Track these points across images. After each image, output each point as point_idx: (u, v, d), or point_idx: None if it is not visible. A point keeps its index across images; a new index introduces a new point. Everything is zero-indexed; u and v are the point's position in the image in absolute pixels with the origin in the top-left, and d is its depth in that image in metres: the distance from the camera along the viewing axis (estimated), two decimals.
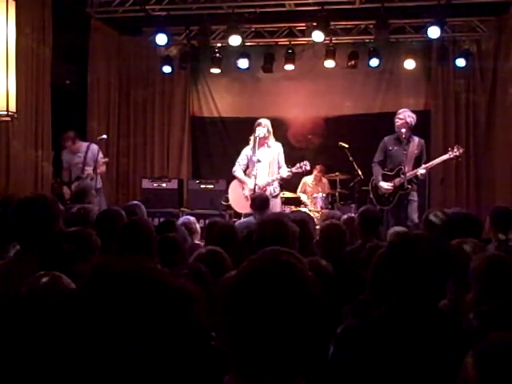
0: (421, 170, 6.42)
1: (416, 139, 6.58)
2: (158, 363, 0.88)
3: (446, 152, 6.71)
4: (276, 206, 6.78)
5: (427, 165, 6.49)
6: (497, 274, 2.36)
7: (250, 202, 6.61)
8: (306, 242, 3.64)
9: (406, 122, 6.50)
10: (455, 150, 6.52)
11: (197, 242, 4.82)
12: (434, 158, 6.77)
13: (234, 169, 7.01)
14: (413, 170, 6.47)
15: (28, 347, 1.69)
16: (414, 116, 6.61)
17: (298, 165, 6.82)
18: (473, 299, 2.39)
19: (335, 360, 1.87)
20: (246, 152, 6.94)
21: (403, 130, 6.45)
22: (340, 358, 1.86)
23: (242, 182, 6.93)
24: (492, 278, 2.36)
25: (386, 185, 6.55)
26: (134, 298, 0.89)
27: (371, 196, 6.75)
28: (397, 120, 6.55)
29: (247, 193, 6.83)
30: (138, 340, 0.87)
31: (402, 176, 6.43)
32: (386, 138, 6.72)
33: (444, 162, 6.75)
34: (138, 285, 0.90)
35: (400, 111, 6.65)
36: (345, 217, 5.12)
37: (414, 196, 6.58)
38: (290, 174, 6.84)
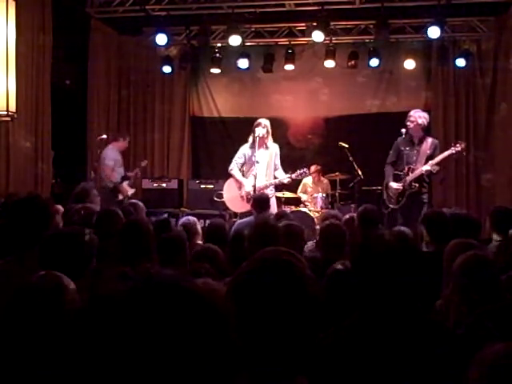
0: (425, 167, 6.41)
1: (429, 139, 6.60)
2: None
3: (447, 149, 6.69)
4: (273, 207, 6.80)
5: (431, 161, 6.47)
6: (472, 274, 2.36)
7: (245, 201, 6.63)
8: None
9: (418, 124, 6.51)
10: (457, 146, 6.53)
11: (199, 242, 4.80)
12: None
13: (231, 167, 6.99)
14: None
15: (29, 346, 1.69)
16: (426, 116, 6.63)
17: (298, 172, 6.82)
18: (455, 299, 2.39)
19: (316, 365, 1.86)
20: (244, 151, 6.91)
21: (414, 132, 6.46)
22: (319, 364, 1.86)
23: (238, 181, 6.92)
24: (468, 277, 2.36)
25: (395, 185, 6.59)
26: (181, 313, 0.89)
27: (384, 197, 6.78)
28: (408, 123, 6.53)
29: (244, 192, 6.82)
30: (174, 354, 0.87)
31: (410, 175, 6.46)
32: (399, 139, 6.72)
33: (446, 159, 6.73)
34: (188, 300, 0.90)
35: (411, 113, 6.63)
36: (347, 216, 5.11)
37: (426, 198, 6.59)
38: (289, 180, 6.85)
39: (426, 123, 6.57)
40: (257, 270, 1.27)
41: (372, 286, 1.85)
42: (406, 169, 6.53)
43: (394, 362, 1.74)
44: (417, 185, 6.44)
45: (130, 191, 7.81)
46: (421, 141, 6.53)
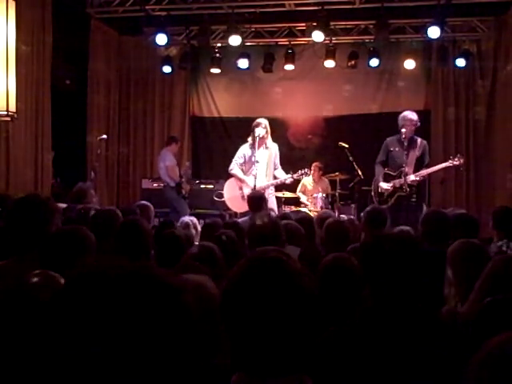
0: (411, 177, 6.38)
1: (418, 140, 6.55)
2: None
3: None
4: (273, 206, 6.80)
5: (421, 172, 6.44)
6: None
7: (246, 201, 6.62)
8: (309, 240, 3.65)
9: (416, 125, 6.49)
10: (456, 160, 6.49)
11: (197, 242, 4.80)
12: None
13: (231, 167, 6.98)
14: (414, 171, 6.44)
15: (18, 346, 1.69)
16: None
17: (299, 172, 6.84)
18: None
19: (317, 364, 1.87)
20: (244, 151, 6.91)
21: (410, 134, 6.42)
22: (320, 362, 1.86)
23: (240, 180, 6.91)
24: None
25: (385, 185, 6.56)
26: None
27: (372, 194, 6.76)
28: (408, 123, 6.43)
29: (245, 192, 6.82)
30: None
31: (402, 178, 6.42)
32: (388, 139, 6.70)
33: (442, 170, 6.74)
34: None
35: (407, 114, 6.54)
36: (349, 218, 5.12)
37: (414, 197, 6.54)
38: (291, 179, 6.87)
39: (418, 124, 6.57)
40: (247, 270, 1.27)
41: (381, 283, 1.86)
42: (398, 171, 6.50)
43: (400, 360, 1.74)
44: (408, 189, 6.39)
45: (188, 187, 8.28)
46: (410, 141, 6.48)
